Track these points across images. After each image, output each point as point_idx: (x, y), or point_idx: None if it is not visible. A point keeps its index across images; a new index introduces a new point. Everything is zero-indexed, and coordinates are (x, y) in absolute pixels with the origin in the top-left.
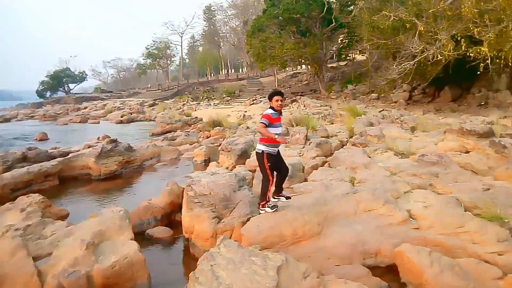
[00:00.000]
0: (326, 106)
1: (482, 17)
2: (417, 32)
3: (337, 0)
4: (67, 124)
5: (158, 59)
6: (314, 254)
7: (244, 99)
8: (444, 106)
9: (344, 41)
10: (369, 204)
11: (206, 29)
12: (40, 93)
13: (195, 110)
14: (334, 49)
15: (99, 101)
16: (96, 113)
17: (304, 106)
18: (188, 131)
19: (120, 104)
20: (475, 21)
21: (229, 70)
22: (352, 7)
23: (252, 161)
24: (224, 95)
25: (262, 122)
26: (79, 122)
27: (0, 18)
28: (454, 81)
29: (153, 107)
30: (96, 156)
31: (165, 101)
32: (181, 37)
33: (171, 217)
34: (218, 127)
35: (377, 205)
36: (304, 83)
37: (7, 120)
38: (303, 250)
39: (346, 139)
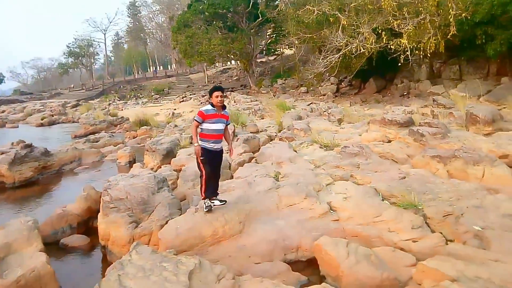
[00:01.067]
0: (256, 101)
1: (401, 10)
2: (340, 26)
3: None
4: None
5: (80, 58)
6: (235, 254)
7: (174, 96)
8: (369, 98)
9: (272, 35)
10: (291, 198)
11: (131, 25)
12: None
13: (122, 109)
14: (262, 44)
15: (18, 103)
16: (15, 116)
17: (235, 102)
18: (114, 132)
19: (41, 106)
20: (394, 14)
21: (157, 67)
22: (277, 2)
23: (178, 160)
24: (153, 93)
25: (195, 120)
26: None
27: None
28: (378, 72)
29: (77, 108)
30: (9, 163)
31: (89, 101)
32: (105, 34)
33: (88, 224)
34: (145, 127)
35: (299, 199)
36: (235, 78)
37: None
38: (224, 250)
39: (275, 134)
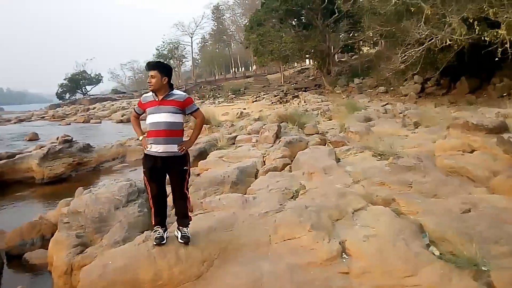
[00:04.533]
0: (327, 101)
1: None
2: (424, 16)
3: None
4: (69, 124)
5: (168, 60)
6: None
7: (248, 96)
8: (460, 99)
9: (349, 32)
10: (291, 229)
11: (215, 28)
12: (60, 96)
13: None
14: (341, 41)
15: (110, 101)
16: (102, 113)
17: (305, 102)
18: None
19: (126, 104)
20: (490, 0)
21: (239, 69)
22: None
23: (205, 162)
24: (229, 93)
25: (133, 109)
26: (82, 122)
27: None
28: (472, 70)
29: None
30: (40, 158)
31: None
32: (191, 37)
33: None
34: (205, 125)
35: (301, 231)
36: (311, 78)
37: (21, 120)
38: None
39: (332, 137)
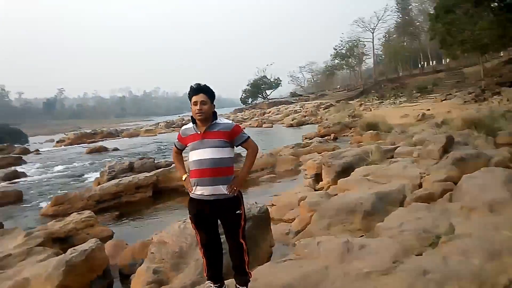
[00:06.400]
0: None
1: None
2: None
3: None
4: (244, 128)
5: (346, 59)
6: None
7: (437, 94)
8: None
9: None
10: None
11: (400, 20)
12: (243, 100)
13: (371, 110)
14: None
15: (285, 105)
16: (275, 117)
17: (508, 100)
18: (346, 135)
19: (299, 107)
20: None
21: (430, 63)
22: None
23: (345, 181)
24: (414, 91)
25: (174, 145)
26: (256, 126)
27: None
28: None
29: (329, 109)
30: None
31: (349, 102)
32: (373, 33)
33: None
34: (371, 131)
35: None
36: None
37: None
38: None
39: None
